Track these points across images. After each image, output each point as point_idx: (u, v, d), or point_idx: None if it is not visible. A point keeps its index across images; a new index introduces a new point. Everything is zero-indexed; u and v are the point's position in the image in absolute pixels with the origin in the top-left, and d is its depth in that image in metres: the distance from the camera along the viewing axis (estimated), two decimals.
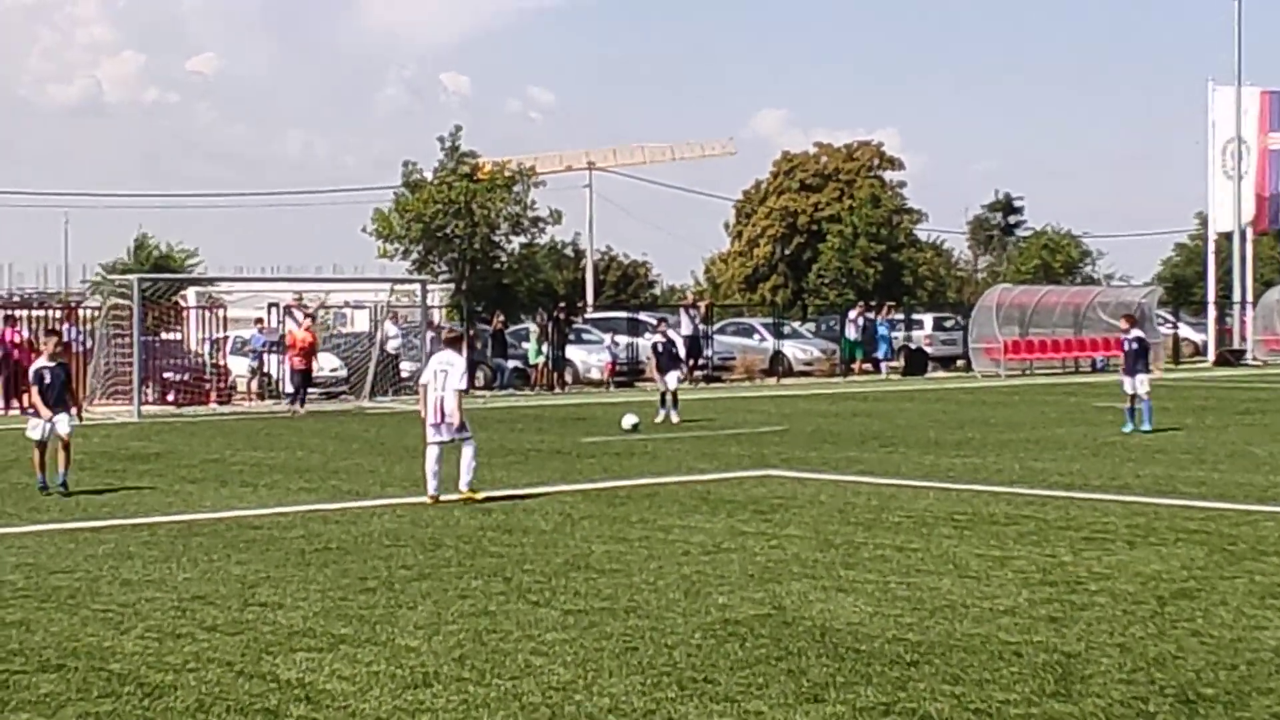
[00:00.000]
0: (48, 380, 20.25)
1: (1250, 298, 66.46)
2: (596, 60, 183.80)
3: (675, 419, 32.14)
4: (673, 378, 33.31)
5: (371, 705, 9.18)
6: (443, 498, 18.74)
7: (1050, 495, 19.13)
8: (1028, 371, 57.04)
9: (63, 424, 20.17)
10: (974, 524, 16.54)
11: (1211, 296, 67.77)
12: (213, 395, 41.57)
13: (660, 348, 34.26)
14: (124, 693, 9.53)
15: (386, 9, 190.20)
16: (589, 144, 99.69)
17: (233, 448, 27.17)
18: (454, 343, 20.34)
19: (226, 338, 45.61)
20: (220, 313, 47.66)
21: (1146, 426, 28.28)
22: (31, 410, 20.71)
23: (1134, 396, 28.73)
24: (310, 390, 39.35)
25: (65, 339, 23.90)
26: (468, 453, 18.95)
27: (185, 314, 47.85)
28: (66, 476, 19.89)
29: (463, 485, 18.90)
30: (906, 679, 9.68)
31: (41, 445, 20.11)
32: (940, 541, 15.31)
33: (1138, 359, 28.94)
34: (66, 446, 20.10)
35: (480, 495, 18.82)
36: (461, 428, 19.02)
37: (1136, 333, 30.23)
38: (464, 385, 19.21)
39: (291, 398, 38.24)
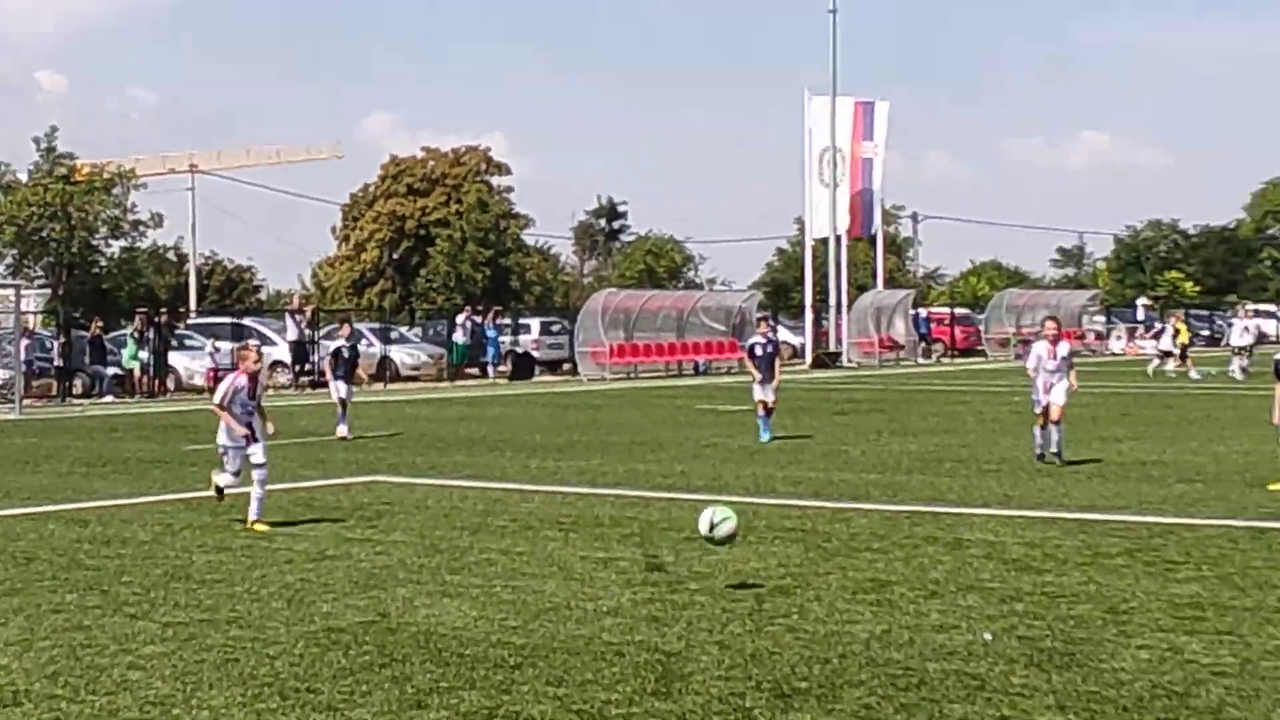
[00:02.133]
0: None
1: (845, 302, 68.60)
2: (201, 60, 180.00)
3: (344, 433, 29.26)
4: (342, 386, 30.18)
5: None
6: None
7: (654, 496, 19.46)
8: (633, 375, 57.86)
9: None
10: (579, 526, 16.72)
11: (809, 300, 69.68)
12: None
13: (344, 352, 30.85)
14: None
15: None
16: (193, 146, 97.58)
17: None
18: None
19: None
20: None
21: (766, 436, 27.99)
22: None
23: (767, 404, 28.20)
24: None
25: None
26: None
27: None
28: None
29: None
30: (510, 682, 9.74)
31: None
32: (545, 544, 15.45)
33: (770, 365, 28.76)
34: None
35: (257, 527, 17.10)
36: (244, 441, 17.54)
37: (771, 338, 30.52)
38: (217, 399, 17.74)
39: None
